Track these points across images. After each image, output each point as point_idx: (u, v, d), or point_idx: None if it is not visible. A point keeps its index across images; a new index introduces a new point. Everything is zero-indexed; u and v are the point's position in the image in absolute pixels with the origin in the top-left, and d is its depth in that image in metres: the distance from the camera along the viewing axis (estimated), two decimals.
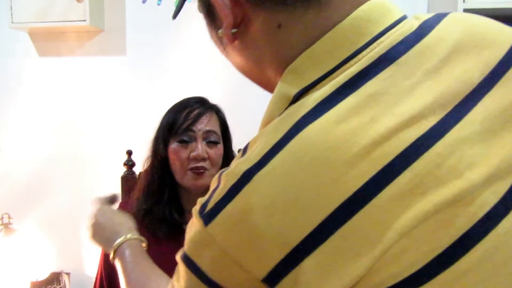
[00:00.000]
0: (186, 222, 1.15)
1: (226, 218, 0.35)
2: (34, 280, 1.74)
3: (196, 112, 1.02)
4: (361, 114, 0.32)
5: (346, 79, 0.34)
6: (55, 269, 1.84)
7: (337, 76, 0.35)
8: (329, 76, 0.35)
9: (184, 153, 1.00)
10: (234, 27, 0.39)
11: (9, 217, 1.75)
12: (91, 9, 1.67)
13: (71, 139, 1.85)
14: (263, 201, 0.33)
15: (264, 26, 0.39)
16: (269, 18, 0.38)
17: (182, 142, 1.01)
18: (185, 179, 1.01)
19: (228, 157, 1.08)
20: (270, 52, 0.40)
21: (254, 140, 0.37)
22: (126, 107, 1.81)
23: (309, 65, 0.37)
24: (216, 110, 1.07)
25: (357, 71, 0.34)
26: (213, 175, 1.07)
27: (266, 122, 0.38)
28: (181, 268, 0.41)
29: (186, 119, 1.01)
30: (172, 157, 1.02)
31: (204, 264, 0.38)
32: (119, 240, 0.74)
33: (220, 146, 1.04)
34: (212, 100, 1.10)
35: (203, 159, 1.00)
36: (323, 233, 0.31)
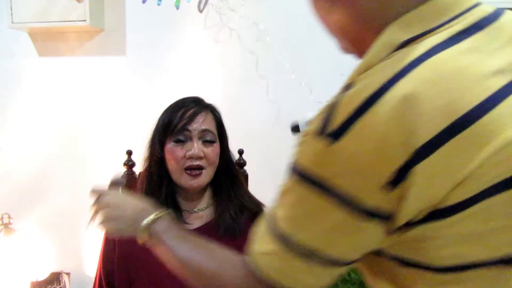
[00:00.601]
0: (184, 221, 1.17)
1: (359, 131, 0.42)
2: (34, 280, 1.74)
3: (191, 111, 1.02)
4: (474, 54, 0.43)
5: (459, 29, 0.44)
6: (55, 269, 1.84)
7: (445, 30, 0.45)
8: (436, 30, 0.45)
9: (180, 153, 1.00)
10: None
11: (9, 217, 1.75)
12: (91, 9, 1.67)
13: (71, 139, 1.85)
14: (395, 112, 0.40)
15: None
16: None
17: (178, 141, 1.01)
18: (182, 179, 1.01)
19: (224, 156, 1.08)
20: (382, 8, 0.47)
21: (352, 83, 0.45)
22: (126, 107, 1.81)
23: (419, 20, 0.45)
24: (211, 109, 1.07)
25: (461, 29, 0.44)
26: (209, 174, 1.08)
27: (365, 68, 0.46)
28: (292, 192, 0.48)
29: (181, 119, 1.01)
30: (168, 156, 1.02)
31: (327, 176, 0.44)
32: (145, 222, 0.68)
33: (216, 145, 1.04)
34: (211, 100, 1.10)
35: (199, 158, 1.00)
36: (444, 137, 0.40)
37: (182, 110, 1.02)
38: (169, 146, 1.02)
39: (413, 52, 0.43)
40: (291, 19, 1.66)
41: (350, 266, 0.50)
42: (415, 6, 0.46)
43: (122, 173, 0.78)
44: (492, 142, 0.40)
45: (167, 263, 0.65)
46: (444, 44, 0.43)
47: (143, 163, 1.08)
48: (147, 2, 1.73)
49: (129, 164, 1.29)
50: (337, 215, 0.44)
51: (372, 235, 0.45)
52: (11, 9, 1.69)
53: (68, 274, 1.85)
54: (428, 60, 0.42)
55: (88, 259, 1.88)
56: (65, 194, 1.87)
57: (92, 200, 0.78)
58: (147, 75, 1.79)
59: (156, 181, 1.04)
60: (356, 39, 0.52)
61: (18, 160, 1.89)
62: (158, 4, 1.73)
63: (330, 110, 0.44)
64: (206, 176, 1.02)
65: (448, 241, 0.44)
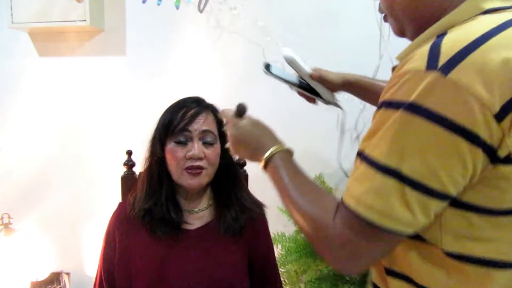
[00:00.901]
0: (184, 222, 1.16)
1: (470, 65, 0.48)
2: (34, 280, 1.74)
3: (192, 112, 1.02)
4: None
5: None
6: (55, 269, 1.84)
7: None
8: (508, 10, 0.53)
9: (180, 153, 1.00)
10: None
11: (9, 217, 1.75)
12: (91, 9, 1.67)
13: (71, 139, 1.85)
14: (501, 49, 0.48)
15: None
16: None
17: (178, 142, 1.01)
18: (182, 179, 1.01)
19: (225, 156, 1.08)
20: None
21: (444, 33, 0.54)
22: (126, 107, 1.81)
23: (490, 2, 0.54)
24: (212, 110, 1.07)
25: (497, 25, 0.51)
26: (209, 175, 1.08)
27: (448, 24, 0.55)
28: (395, 125, 0.51)
29: (182, 119, 1.01)
30: (169, 157, 1.02)
31: (438, 107, 0.49)
32: (268, 153, 0.72)
33: (217, 146, 1.04)
34: (212, 100, 1.10)
35: (200, 159, 1.00)
36: None
37: (183, 111, 1.02)
38: (170, 146, 1.01)
39: (499, 18, 0.52)
40: (292, 18, 1.66)
41: (442, 205, 0.53)
42: None
43: (244, 103, 0.81)
44: None
45: (277, 189, 0.70)
46: None
47: (144, 163, 1.08)
48: (147, 2, 1.73)
49: (129, 164, 1.29)
50: (445, 140, 0.49)
51: (473, 164, 0.50)
52: (11, 9, 1.69)
53: (68, 274, 1.85)
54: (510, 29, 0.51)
55: (88, 259, 1.88)
56: (65, 194, 1.87)
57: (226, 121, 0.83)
58: (147, 75, 1.79)
59: (156, 181, 1.04)
60: (415, 19, 0.61)
61: (18, 160, 1.89)
62: (158, 4, 1.73)
63: (434, 50, 0.51)
64: (206, 176, 1.02)
65: None
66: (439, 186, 0.51)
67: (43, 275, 1.78)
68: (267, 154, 0.72)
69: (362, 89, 0.96)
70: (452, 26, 0.54)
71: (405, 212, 0.52)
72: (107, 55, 1.81)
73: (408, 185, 0.51)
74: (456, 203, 0.53)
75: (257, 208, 1.12)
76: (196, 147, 1.00)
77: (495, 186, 0.51)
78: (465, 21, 0.54)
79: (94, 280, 1.08)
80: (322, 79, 0.94)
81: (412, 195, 0.51)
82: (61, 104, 1.85)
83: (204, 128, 1.01)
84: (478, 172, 0.51)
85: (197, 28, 1.73)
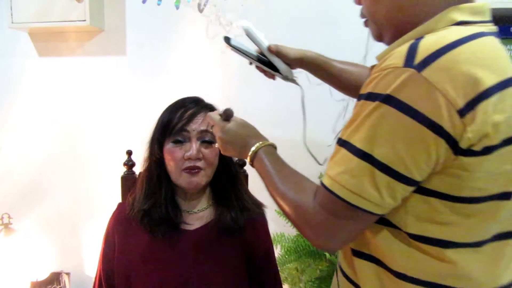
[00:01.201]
0: (184, 222, 1.16)
1: (441, 65, 0.55)
2: (34, 280, 1.74)
3: (190, 112, 1.02)
4: (501, 46, 0.62)
5: (490, 30, 0.63)
6: (55, 269, 1.84)
7: (481, 26, 0.62)
8: (477, 23, 0.62)
9: (179, 153, 1.00)
10: None
11: (9, 217, 1.75)
12: (91, 9, 1.67)
13: (71, 139, 1.85)
14: (468, 55, 0.56)
15: None
16: None
17: (176, 142, 1.00)
18: (180, 179, 1.01)
19: (224, 156, 1.08)
20: (423, 2, 0.64)
21: (421, 37, 0.60)
22: (126, 107, 1.81)
23: (470, 13, 0.62)
24: (211, 110, 1.06)
25: (490, 30, 0.62)
26: (208, 175, 1.08)
27: (424, 31, 0.62)
28: (373, 114, 0.58)
29: (180, 119, 1.01)
30: (167, 157, 1.01)
31: (411, 99, 0.55)
32: (253, 149, 0.80)
33: (215, 146, 1.04)
34: (211, 100, 1.10)
35: (198, 159, 1.00)
36: (497, 87, 0.55)
37: (182, 110, 1.02)
38: (168, 146, 1.01)
39: (468, 30, 0.60)
40: (292, 20, 1.66)
41: (408, 189, 0.60)
42: (456, 3, 0.63)
43: (230, 108, 0.88)
44: None
45: (263, 180, 0.77)
46: (485, 33, 0.60)
47: (143, 163, 1.08)
48: (147, 2, 1.73)
49: (129, 164, 1.29)
50: (413, 131, 0.55)
51: (436, 153, 0.56)
52: (11, 9, 1.69)
53: (68, 274, 1.85)
54: (476, 40, 0.58)
55: (88, 259, 1.88)
56: (65, 194, 1.87)
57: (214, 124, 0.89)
58: (147, 75, 1.79)
59: (155, 182, 1.04)
60: (395, 26, 0.68)
61: (18, 160, 1.89)
62: (158, 4, 1.73)
63: (411, 50, 0.57)
64: (204, 176, 1.02)
65: (480, 175, 0.58)
66: (405, 171, 0.57)
67: (43, 275, 1.78)
68: (252, 149, 0.80)
69: (318, 67, 1.00)
70: (427, 33, 0.61)
71: (374, 193, 0.59)
72: (107, 55, 1.81)
73: (378, 168, 0.57)
74: (421, 189, 0.60)
75: (257, 208, 1.12)
76: (193, 148, 0.99)
77: (456, 175, 0.58)
78: (439, 29, 0.61)
79: (93, 280, 1.08)
80: (279, 53, 0.96)
81: (381, 177, 0.58)
82: (61, 104, 1.85)
83: (202, 128, 1.01)
84: (441, 161, 0.57)
85: (197, 28, 1.73)
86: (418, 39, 0.60)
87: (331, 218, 0.63)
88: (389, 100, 0.56)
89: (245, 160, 0.83)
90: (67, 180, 1.86)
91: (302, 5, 1.65)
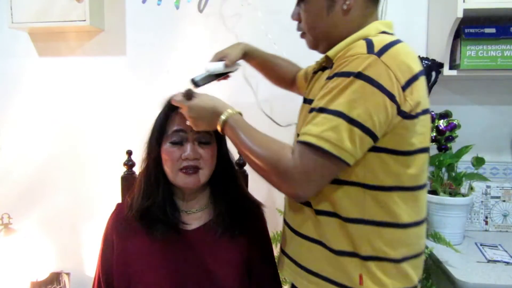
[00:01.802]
0: (182, 222, 1.15)
1: (390, 54, 0.79)
2: (34, 280, 1.74)
3: None
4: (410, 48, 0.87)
5: (397, 38, 0.86)
6: (55, 269, 1.84)
7: (393, 36, 0.87)
8: (391, 34, 0.88)
9: (176, 154, 1.00)
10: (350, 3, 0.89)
11: (9, 217, 1.75)
12: (91, 9, 1.67)
13: (71, 139, 1.85)
14: (401, 51, 0.81)
15: (364, 5, 0.90)
16: (365, 5, 0.90)
17: (174, 143, 1.00)
18: (177, 179, 1.01)
19: (223, 156, 1.08)
20: (359, 18, 0.90)
21: (367, 39, 0.84)
22: (126, 107, 1.81)
23: (386, 27, 0.90)
24: None
25: (397, 39, 0.85)
26: (206, 175, 1.09)
27: (361, 36, 0.85)
28: (349, 87, 0.77)
29: (177, 119, 1.01)
30: (164, 157, 1.01)
31: (374, 77, 0.76)
32: (223, 117, 0.90)
33: (213, 146, 1.04)
34: None
35: (195, 159, 1.00)
36: (418, 75, 0.82)
37: (178, 110, 1.02)
38: (166, 146, 1.01)
39: (393, 37, 0.85)
40: (292, 19, 1.66)
41: (370, 142, 0.79)
42: (376, 19, 0.92)
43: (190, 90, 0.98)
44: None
45: (236, 145, 0.90)
46: (400, 40, 0.85)
47: (142, 163, 1.08)
48: (147, 2, 1.73)
49: (129, 164, 1.29)
50: (378, 98, 0.76)
51: (391, 115, 0.78)
52: (11, 9, 1.69)
53: (68, 274, 1.85)
54: (401, 43, 0.83)
55: (88, 259, 1.88)
56: (65, 194, 1.87)
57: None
58: (147, 75, 1.79)
59: (153, 182, 1.04)
60: (332, 38, 0.91)
61: (18, 160, 1.89)
62: (158, 4, 1.74)
63: (369, 43, 0.80)
64: (202, 176, 1.02)
65: (413, 134, 0.82)
66: (373, 127, 0.77)
67: (43, 275, 1.78)
68: (222, 118, 0.90)
69: (253, 58, 1.25)
70: (364, 37, 0.84)
71: (351, 145, 0.77)
72: (107, 55, 1.81)
73: (355, 125, 0.76)
74: (375, 148, 0.81)
75: (256, 208, 1.12)
76: (190, 148, 1.00)
77: (399, 134, 0.80)
78: (372, 35, 0.85)
79: (92, 280, 1.08)
80: (226, 57, 1.15)
81: (356, 132, 0.76)
82: (61, 104, 1.85)
83: None
84: (393, 122, 0.79)
85: (197, 28, 1.73)
86: (366, 38, 0.83)
87: (311, 167, 0.78)
88: (360, 76, 0.77)
89: (210, 129, 0.95)
90: (67, 180, 1.86)
91: None
